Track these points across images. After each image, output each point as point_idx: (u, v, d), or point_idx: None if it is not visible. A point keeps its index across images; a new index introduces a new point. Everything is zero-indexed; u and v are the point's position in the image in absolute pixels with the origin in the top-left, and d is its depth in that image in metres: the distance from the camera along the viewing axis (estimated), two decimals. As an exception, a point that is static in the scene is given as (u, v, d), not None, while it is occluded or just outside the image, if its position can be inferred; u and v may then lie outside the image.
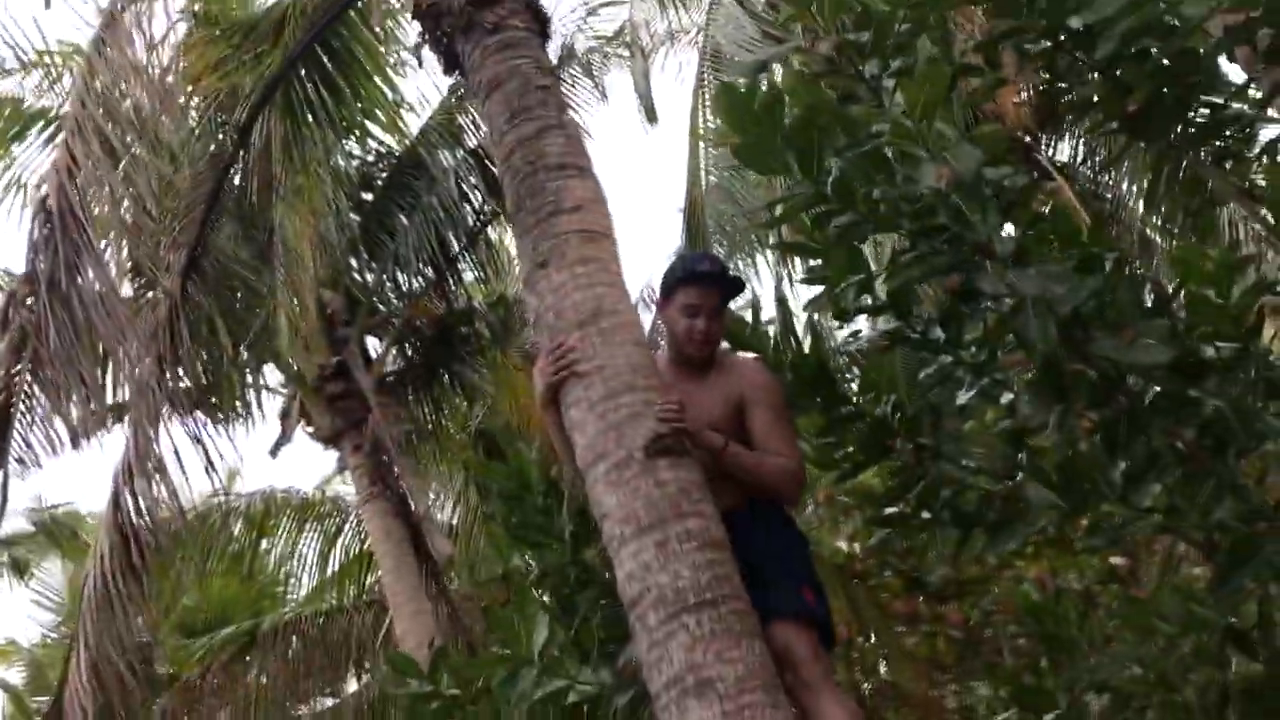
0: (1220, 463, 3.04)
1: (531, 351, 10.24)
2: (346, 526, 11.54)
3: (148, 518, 4.94)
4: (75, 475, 17.61)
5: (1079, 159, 10.11)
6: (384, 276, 9.83)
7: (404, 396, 9.97)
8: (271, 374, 10.00)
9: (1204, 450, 3.15)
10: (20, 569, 13.47)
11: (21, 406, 4.30)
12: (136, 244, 4.84)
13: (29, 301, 4.09)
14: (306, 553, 11.72)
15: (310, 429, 9.55)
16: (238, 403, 8.83)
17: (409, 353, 10.21)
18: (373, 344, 10.09)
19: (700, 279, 3.74)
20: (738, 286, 3.86)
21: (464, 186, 9.79)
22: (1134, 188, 9.44)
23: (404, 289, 9.96)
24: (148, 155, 4.44)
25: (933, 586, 6.41)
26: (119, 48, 4.58)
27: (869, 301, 3.65)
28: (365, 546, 11.16)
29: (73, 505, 16.03)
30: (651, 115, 9.78)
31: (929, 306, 3.91)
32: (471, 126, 9.90)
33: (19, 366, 4.20)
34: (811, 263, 3.69)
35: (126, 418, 5.16)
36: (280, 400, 9.89)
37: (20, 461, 4.40)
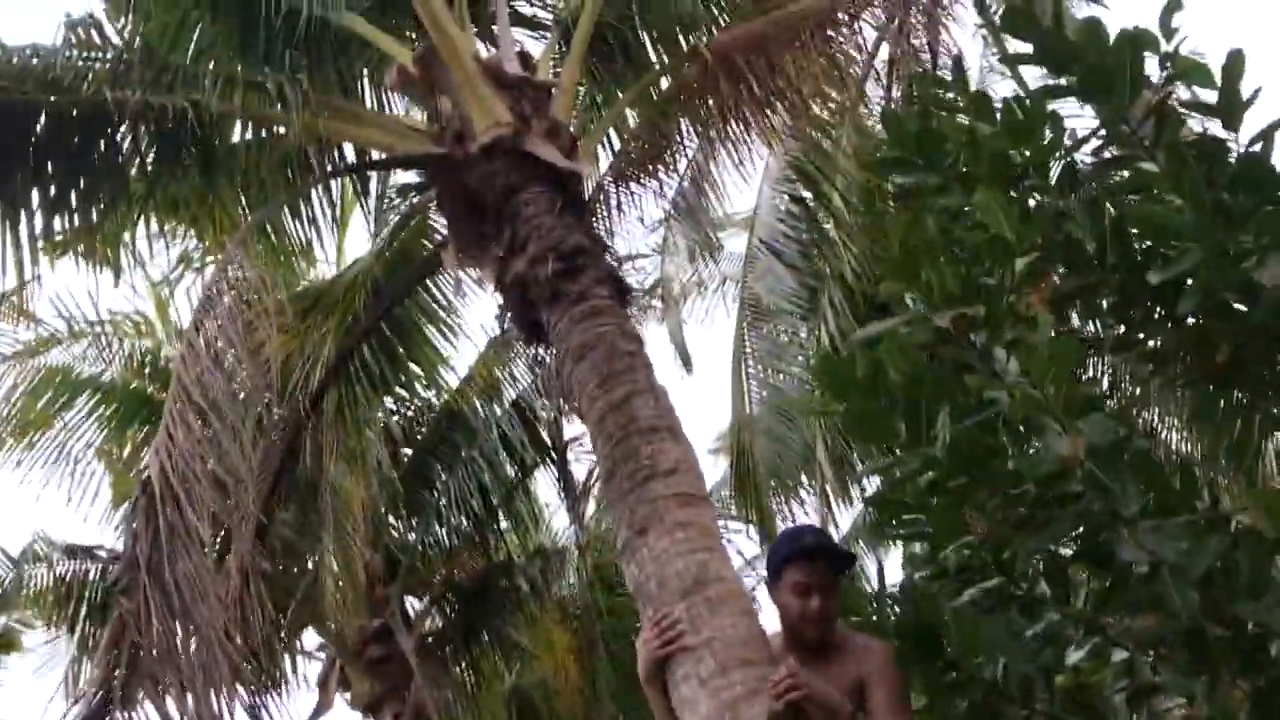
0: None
1: (570, 608, 10.03)
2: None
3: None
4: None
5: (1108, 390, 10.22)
6: (424, 534, 9.70)
7: (443, 658, 9.66)
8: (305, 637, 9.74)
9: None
10: None
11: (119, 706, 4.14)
12: (224, 520, 4.83)
13: (127, 587, 4.03)
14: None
15: (348, 696, 9.22)
16: (275, 670, 8.54)
17: (448, 611, 9.98)
18: (410, 602, 9.88)
19: (808, 555, 3.52)
20: (849, 560, 3.74)
21: (505, 439, 9.79)
22: (1166, 417, 9.52)
23: (443, 545, 9.81)
24: (237, 437, 4.50)
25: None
26: (213, 334, 4.71)
27: (973, 562, 3.60)
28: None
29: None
30: (687, 364, 9.96)
31: (1032, 565, 3.85)
32: (509, 379, 10.02)
33: (115, 661, 4.07)
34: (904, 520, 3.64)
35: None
36: (316, 665, 9.60)
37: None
